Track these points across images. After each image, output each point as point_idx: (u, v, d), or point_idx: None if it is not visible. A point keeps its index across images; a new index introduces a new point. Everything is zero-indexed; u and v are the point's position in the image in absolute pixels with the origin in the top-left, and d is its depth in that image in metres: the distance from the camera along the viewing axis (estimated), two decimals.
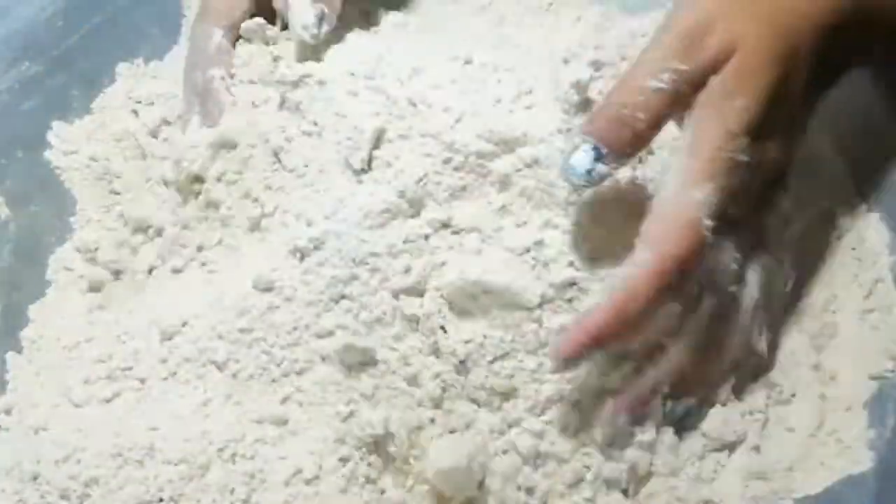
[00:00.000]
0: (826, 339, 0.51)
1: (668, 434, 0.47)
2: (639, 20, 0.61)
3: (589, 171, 0.41)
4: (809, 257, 0.53)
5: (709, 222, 0.41)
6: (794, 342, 0.51)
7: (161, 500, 0.43)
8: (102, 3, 0.58)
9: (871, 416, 0.50)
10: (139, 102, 0.56)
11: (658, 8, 0.62)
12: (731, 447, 0.49)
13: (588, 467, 0.45)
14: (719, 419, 0.48)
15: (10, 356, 0.50)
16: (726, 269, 0.43)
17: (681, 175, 0.41)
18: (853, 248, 0.53)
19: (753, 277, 0.45)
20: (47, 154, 0.55)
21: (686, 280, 0.42)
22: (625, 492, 0.47)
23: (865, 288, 0.52)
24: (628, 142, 0.41)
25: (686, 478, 0.47)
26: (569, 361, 0.41)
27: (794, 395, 0.50)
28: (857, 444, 0.50)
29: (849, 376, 0.51)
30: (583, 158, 0.41)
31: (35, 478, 0.44)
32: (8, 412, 0.48)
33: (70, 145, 0.55)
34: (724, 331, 0.45)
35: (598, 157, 0.41)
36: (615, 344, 0.42)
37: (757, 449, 0.49)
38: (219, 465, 0.44)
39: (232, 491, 0.44)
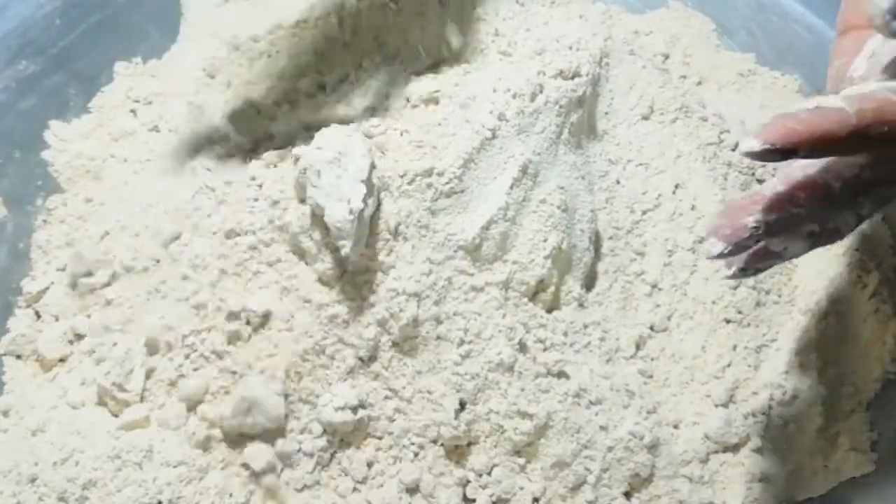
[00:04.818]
0: (830, 340, 0.51)
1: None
2: (642, 18, 0.61)
3: None
4: (814, 259, 0.53)
5: None
6: (797, 344, 0.51)
7: (160, 502, 0.42)
8: (100, 2, 0.58)
9: (875, 418, 0.50)
10: (137, 102, 0.56)
11: (660, 6, 0.63)
12: (733, 449, 0.49)
13: (589, 470, 0.45)
14: (722, 421, 0.48)
15: (7, 358, 0.49)
16: None
17: None
18: (857, 250, 0.53)
19: None
20: (45, 154, 0.54)
21: None
22: (627, 494, 0.47)
23: (869, 290, 0.52)
24: None
25: (688, 480, 0.47)
26: (762, 155, 0.35)
27: (796, 397, 0.50)
28: (860, 446, 0.50)
29: (852, 378, 0.51)
30: None
31: (33, 480, 0.43)
32: (6, 414, 0.47)
33: (68, 145, 0.55)
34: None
35: None
36: (819, 152, 0.35)
37: (759, 451, 0.49)
38: (218, 467, 0.44)
39: (231, 494, 0.43)
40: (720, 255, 0.38)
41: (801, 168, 0.38)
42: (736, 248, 0.38)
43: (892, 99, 0.35)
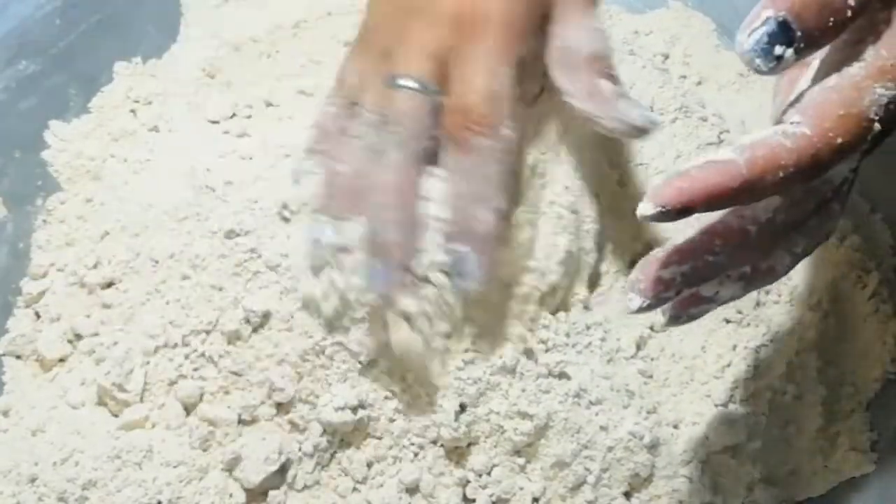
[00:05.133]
0: (830, 341, 0.51)
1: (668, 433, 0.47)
2: (642, 18, 0.61)
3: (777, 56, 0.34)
4: (813, 259, 0.53)
5: (877, 126, 0.35)
6: (797, 344, 0.51)
7: (160, 502, 0.42)
8: (100, 2, 0.57)
9: (874, 419, 0.50)
10: (137, 102, 0.56)
11: (660, 6, 0.63)
12: (733, 449, 0.48)
13: (589, 470, 0.45)
14: (722, 421, 0.48)
15: (7, 358, 0.50)
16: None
17: (869, 67, 0.35)
18: (856, 250, 0.53)
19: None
20: (45, 154, 0.54)
21: (821, 176, 0.36)
22: (627, 494, 0.47)
23: (869, 289, 0.52)
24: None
25: (688, 480, 0.47)
26: (657, 217, 0.34)
27: (797, 398, 0.50)
28: (860, 446, 0.50)
29: (852, 378, 0.51)
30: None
31: (33, 480, 0.43)
32: (6, 414, 0.47)
33: (68, 145, 0.55)
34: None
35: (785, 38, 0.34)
36: (715, 206, 0.35)
37: (759, 451, 0.49)
38: (218, 468, 0.44)
39: (231, 494, 0.43)
40: (640, 310, 0.37)
41: (716, 214, 0.37)
42: (655, 302, 0.37)
43: (784, 143, 0.34)
